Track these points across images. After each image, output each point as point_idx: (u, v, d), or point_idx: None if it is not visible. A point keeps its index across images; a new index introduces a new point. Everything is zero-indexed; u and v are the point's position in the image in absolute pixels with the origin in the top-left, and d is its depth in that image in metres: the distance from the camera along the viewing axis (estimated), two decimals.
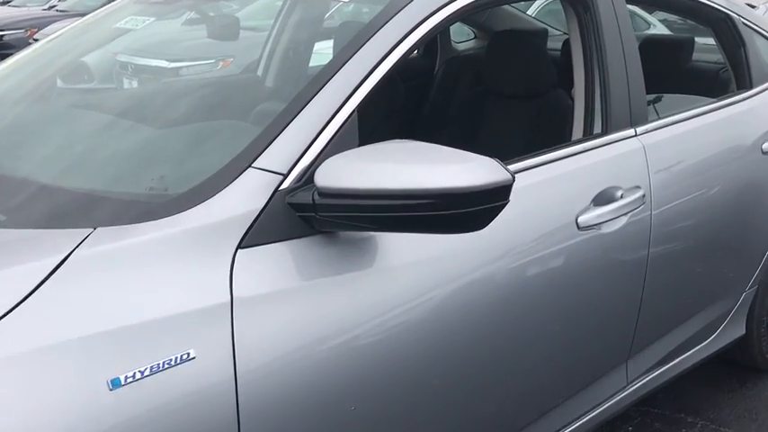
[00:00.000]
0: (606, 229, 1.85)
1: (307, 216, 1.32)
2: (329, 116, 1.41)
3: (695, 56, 3.28)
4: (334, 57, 1.52)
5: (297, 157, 1.35)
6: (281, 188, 1.32)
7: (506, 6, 3.76)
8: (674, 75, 2.97)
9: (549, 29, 3.95)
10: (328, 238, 1.36)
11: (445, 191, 1.22)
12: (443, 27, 1.66)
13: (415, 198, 1.24)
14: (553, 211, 1.76)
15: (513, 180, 1.27)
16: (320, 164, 1.33)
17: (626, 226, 1.89)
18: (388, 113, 2.87)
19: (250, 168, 1.32)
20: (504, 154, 2.42)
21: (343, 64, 1.48)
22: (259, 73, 3.01)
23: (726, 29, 2.57)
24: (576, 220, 1.78)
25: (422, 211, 1.25)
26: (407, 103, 3.37)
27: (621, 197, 1.88)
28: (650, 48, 2.87)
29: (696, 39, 3.33)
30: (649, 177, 1.99)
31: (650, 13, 6.54)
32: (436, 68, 3.78)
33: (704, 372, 2.73)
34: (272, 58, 2.98)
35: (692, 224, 2.16)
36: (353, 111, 1.44)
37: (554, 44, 3.59)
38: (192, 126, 1.65)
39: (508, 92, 2.43)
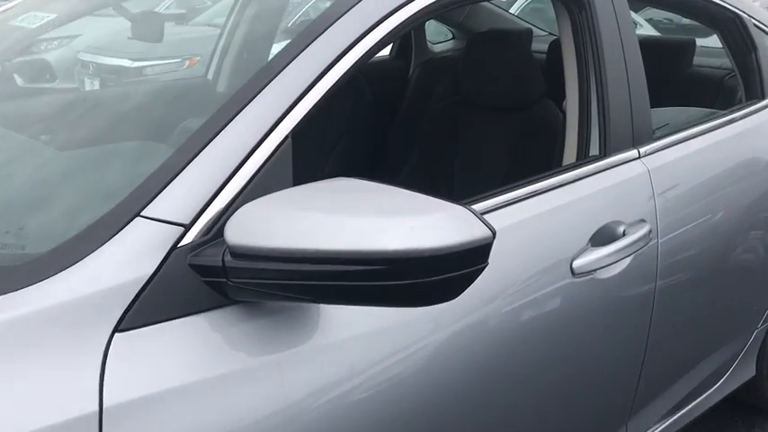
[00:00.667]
0: (606, 273, 1.52)
1: (216, 282, 0.98)
2: (252, 144, 1.06)
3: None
4: (265, 65, 1.18)
5: (205, 200, 1.01)
6: (180, 245, 0.98)
7: (487, 4, 3.44)
8: (674, 82, 2.66)
9: (534, 29, 3.63)
10: (248, 309, 1.02)
11: (402, 254, 0.89)
12: (410, 26, 1.32)
13: (362, 263, 0.90)
14: (543, 255, 1.43)
15: (494, 237, 0.94)
16: (235, 211, 0.99)
17: (629, 269, 1.57)
18: (353, 123, 2.53)
19: (138, 218, 0.98)
20: (485, 177, 2.10)
21: (276, 74, 1.14)
22: (209, 76, 2.67)
23: (735, 31, 2.26)
24: (571, 264, 1.46)
25: (371, 281, 0.91)
26: (377, 112, 3.04)
27: (624, 234, 1.55)
28: (646, 51, 2.56)
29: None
30: (656, 208, 1.67)
31: (637, 11, 6.24)
32: (410, 71, 3.45)
33: (708, 414, 2.42)
34: (225, 58, 2.64)
35: (704, 260, 1.84)
36: (287, 136, 1.10)
37: (538, 46, 3.28)
38: (91, 151, 1.30)
39: (489, 103, 2.09)
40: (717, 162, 1.94)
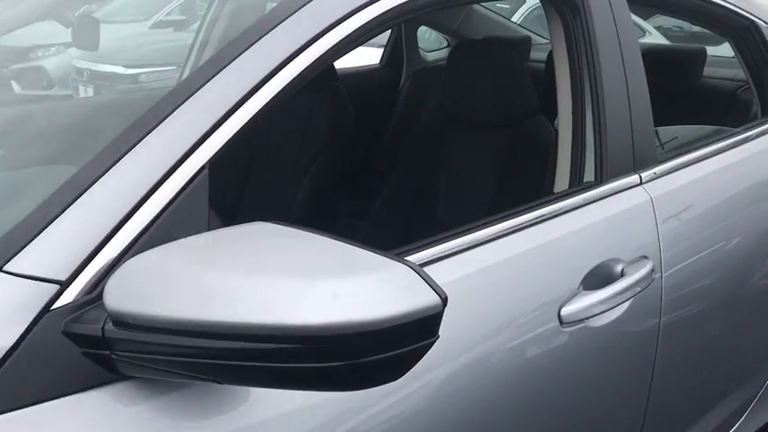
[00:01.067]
0: (600, 321, 1.31)
1: (99, 354, 0.78)
2: (155, 178, 0.86)
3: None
4: (185, 80, 0.98)
5: (89, 249, 0.81)
6: (54, 307, 0.78)
7: (485, 10, 3.24)
8: (682, 95, 2.45)
9: (537, 37, 3.42)
10: (143, 384, 0.82)
11: (321, 331, 0.68)
12: (371, 33, 1.12)
13: (271, 340, 0.70)
14: (527, 301, 1.22)
15: (445, 305, 0.73)
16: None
17: (628, 314, 1.36)
18: (332, 138, 2.33)
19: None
20: (470, 201, 1.89)
21: (194, 92, 0.94)
22: None
23: (750, 39, 2.05)
24: (559, 312, 1.25)
25: (283, 362, 0.71)
26: (364, 125, 2.84)
27: (622, 275, 1.35)
28: (651, 61, 2.35)
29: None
30: (659, 243, 1.46)
31: (645, 19, 6.01)
32: (402, 82, 3.25)
33: None
34: (197, 66, 2.45)
35: (714, 298, 1.63)
36: (203, 167, 0.90)
37: (541, 55, 3.07)
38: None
39: (474, 119, 1.88)
40: (729, 187, 1.73)
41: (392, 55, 3.27)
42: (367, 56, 3.43)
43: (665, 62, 2.57)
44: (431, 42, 3.70)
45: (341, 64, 3.01)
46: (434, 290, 0.72)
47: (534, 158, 1.76)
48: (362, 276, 0.71)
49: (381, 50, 3.37)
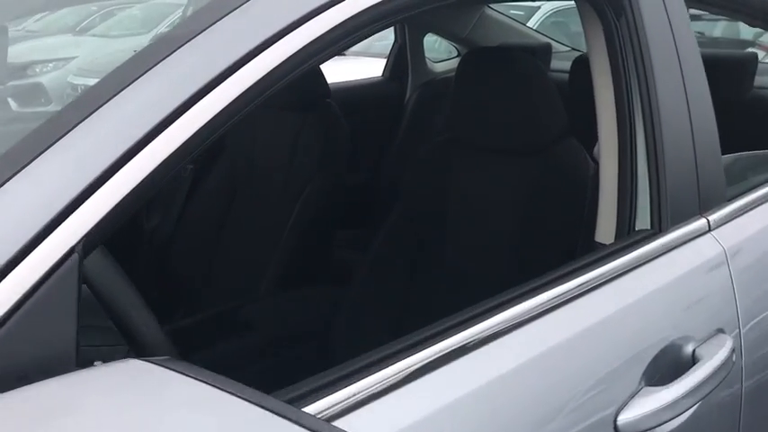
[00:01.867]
0: (670, 425, 0.97)
1: None
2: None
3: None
4: (54, 117, 0.65)
5: None
6: None
7: (500, 15, 2.91)
8: (731, 110, 2.09)
9: (557, 45, 3.09)
10: None
11: None
12: (339, 42, 0.80)
13: None
14: (569, 412, 0.88)
15: None
16: None
17: (703, 411, 1.01)
18: (325, 163, 2.00)
19: None
20: (484, 246, 1.56)
21: (66, 132, 0.62)
22: None
23: None
24: (615, 422, 0.90)
25: None
26: (364, 146, 2.51)
27: (695, 359, 1.00)
28: None
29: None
30: (737, 308, 1.12)
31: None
32: (407, 96, 2.92)
33: None
34: None
35: None
36: (70, 251, 0.57)
37: (560, 64, 2.74)
38: None
39: (488, 144, 1.53)
40: None
41: (396, 66, 2.94)
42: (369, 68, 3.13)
43: (708, 72, 2.22)
44: (441, 52, 3.38)
45: (338, 77, 2.71)
46: None
47: (566, 194, 1.42)
48: None
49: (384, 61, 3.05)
